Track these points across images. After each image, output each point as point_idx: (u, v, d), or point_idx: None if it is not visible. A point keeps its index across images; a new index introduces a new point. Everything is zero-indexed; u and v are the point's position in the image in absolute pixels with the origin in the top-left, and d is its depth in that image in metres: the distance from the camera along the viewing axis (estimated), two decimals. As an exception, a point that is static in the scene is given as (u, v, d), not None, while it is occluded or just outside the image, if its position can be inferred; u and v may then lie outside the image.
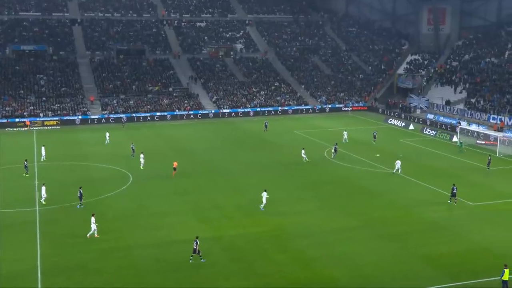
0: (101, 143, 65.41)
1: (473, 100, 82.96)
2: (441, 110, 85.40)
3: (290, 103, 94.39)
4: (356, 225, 36.95)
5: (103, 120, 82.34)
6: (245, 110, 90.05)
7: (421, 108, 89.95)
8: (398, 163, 50.76)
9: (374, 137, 63.64)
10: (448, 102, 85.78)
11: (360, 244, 33.63)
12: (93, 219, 34.39)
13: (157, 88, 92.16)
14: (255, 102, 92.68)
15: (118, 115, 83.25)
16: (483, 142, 66.08)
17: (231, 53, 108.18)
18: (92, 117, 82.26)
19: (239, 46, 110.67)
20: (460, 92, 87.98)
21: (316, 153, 59.86)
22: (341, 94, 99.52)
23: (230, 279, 29.03)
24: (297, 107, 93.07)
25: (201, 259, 30.91)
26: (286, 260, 31.25)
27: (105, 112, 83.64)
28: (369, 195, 43.99)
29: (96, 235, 34.16)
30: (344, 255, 32.01)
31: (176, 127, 78.68)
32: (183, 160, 56.13)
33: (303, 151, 55.44)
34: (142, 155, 53.00)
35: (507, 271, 27.48)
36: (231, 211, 39.78)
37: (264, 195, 39.68)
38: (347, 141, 64.41)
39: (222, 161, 55.76)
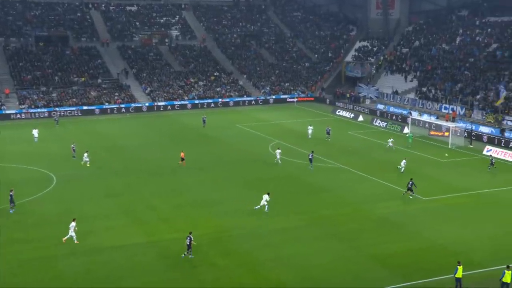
0: (23, 141, 63.65)
1: (424, 89, 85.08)
2: (391, 100, 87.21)
3: (231, 94, 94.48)
4: (303, 224, 37.28)
5: (22, 115, 79.64)
6: (182, 102, 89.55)
7: (370, 98, 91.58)
8: (403, 162, 50.55)
9: (328, 133, 63.84)
10: (396, 92, 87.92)
11: (308, 245, 33.99)
12: (73, 224, 33.72)
13: (83, 79, 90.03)
14: (193, 94, 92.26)
15: (39, 110, 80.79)
16: (437, 133, 68.06)
17: (166, 40, 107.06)
18: (8, 112, 79.41)
19: (174, 32, 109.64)
20: (411, 81, 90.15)
21: (260, 148, 60.12)
22: (286, 84, 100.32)
23: (168, 288, 28.81)
24: (239, 99, 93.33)
25: (189, 255, 31.34)
26: (229, 264, 31.32)
27: (23, 106, 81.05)
28: (317, 192, 44.35)
29: (76, 241, 33.54)
30: (291, 256, 32.24)
31: (105, 122, 77.54)
32: (113, 159, 55.38)
33: (278, 152, 52.95)
34: (86, 154, 52.27)
35: (460, 268, 28.31)
36: (168, 213, 39.50)
37: (265, 197, 39.22)
38: (309, 137, 64.34)
39: (157, 159, 55.31)
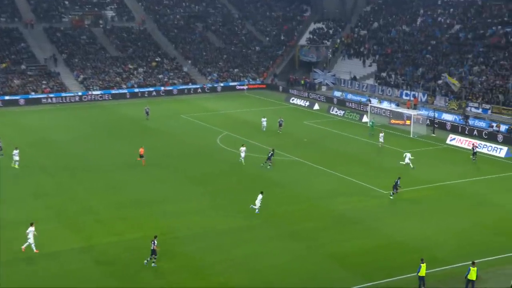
0: None
1: (384, 74, 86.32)
2: (349, 86, 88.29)
3: (175, 82, 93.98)
4: (255, 224, 37.42)
5: None
6: (120, 91, 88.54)
7: (327, 84, 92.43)
8: (407, 156, 50.70)
9: (280, 125, 64.06)
10: (354, 78, 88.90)
11: (261, 245, 34.15)
12: (31, 229, 32.84)
13: (4, 65, 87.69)
14: (132, 81, 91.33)
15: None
16: (398, 122, 69.11)
17: (100, 21, 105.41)
18: None
19: (109, 13, 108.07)
20: (370, 66, 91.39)
21: (208, 141, 60.26)
22: (235, 70, 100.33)
23: (107, 297, 28.53)
24: (184, 87, 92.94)
25: (152, 262, 31.14)
26: (175, 268, 31.24)
27: None
28: (270, 187, 44.24)
29: (35, 250, 32.62)
30: (242, 258, 32.36)
31: (32, 114, 76.05)
32: (42, 155, 54.42)
33: (242, 149, 51.08)
34: (15, 152, 50.00)
35: (423, 266, 28.89)
36: (105, 214, 39.10)
37: (260, 197, 39.11)
38: (264, 129, 64.40)
39: (92, 155, 54.70)
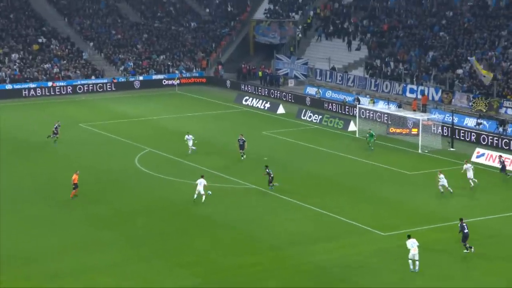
0: None
1: (378, 62, 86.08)
2: (328, 80, 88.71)
3: (70, 74, 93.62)
4: (196, 284, 37.31)
5: None
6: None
7: (295, 77, 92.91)
8: (442, 180, 50.76)
9: (242, 146, 61.45)
10: (335, 68, 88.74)
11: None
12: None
13: None
14: (2, 74, 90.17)
15: None
16: (399, 130, 68.81)
17: None
18: None
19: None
20: (358, 49, 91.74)
21: (121, 162, 60.25)
22: (161, 57, 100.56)
23: None
24: (83, 82, 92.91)
25: None
26: None
27: None
28: (213, 228, 44.42)
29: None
30: None
31: None
32: None
33: (200, 182, 49.66)
34: None
35: None
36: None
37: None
38: (194, 150, 63.39)
39: None
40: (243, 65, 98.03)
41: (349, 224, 45.29)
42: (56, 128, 65.80)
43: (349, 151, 64.00)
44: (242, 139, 61.41)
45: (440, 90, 76.46)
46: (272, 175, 51.73)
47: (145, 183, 54.82)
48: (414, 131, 66.29)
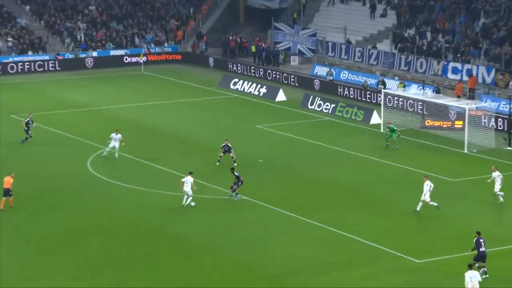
0: None
1: (410, 32, 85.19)
2: (343, 56, 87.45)
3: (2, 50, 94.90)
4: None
5: None
6: None
7: (300, 53, 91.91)
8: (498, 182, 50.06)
9: (226, 152, 60.99)
10: (350, 41, 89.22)
11: None
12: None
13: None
14: None
15: None
16: (439, 123, 67.65)
17: None
18: None
19: None
20: (383, 16, 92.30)
21: (70, 166, 59.14)
22: (121, 24, 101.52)
23: None
24: (17, 58, 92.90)
25: None
26: None
27: None
28: (195, 254, 43.06)
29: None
30: None
31: None
32: None
33: (186, 181, 50.48)
34: None
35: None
36: None
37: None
38: (117, 156, 61.99)
39: None
40: (230, 37, 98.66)
41: (371, 248, 43.33)
42: (27, 123, 64.91)
43: (371, 151, 62.65)
44: (228, 146, 60.22)
45: (494, 70, 74.49)
46: (241, 181, 51.10)
47: (101, 193, 53.55)
48: (458, 124, 65.24)
